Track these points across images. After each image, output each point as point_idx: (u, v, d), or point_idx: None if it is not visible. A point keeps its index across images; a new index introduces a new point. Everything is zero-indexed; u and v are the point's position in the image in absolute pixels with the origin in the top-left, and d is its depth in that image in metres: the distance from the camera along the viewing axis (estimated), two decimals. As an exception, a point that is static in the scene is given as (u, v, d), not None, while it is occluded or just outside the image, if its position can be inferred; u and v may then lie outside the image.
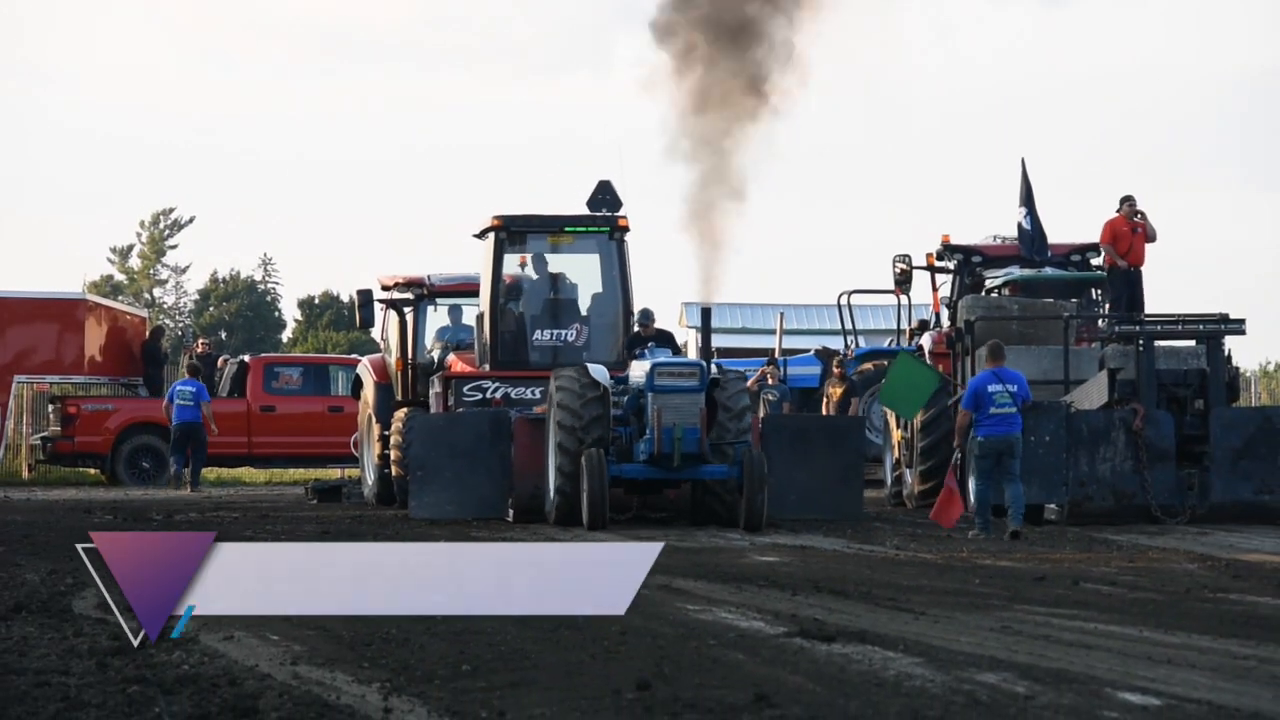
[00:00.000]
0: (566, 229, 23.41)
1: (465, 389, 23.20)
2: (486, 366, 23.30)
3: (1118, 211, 24.34)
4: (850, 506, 21.12)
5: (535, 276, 23.61)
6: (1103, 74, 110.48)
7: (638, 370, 20.33)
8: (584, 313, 23.61)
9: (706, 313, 21.31)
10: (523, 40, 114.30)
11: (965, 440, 19.60)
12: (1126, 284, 24.17)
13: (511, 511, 21.05)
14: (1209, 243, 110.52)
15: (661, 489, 20.67)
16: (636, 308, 22.39)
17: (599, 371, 20.37)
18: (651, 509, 21.08)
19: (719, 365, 21.42)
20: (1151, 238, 24.44)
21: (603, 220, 23.26)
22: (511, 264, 23.66)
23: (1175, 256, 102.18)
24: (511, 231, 23.32)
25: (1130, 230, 24.19)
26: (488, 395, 23.12)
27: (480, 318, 23.51)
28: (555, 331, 23.34)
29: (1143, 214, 24.32)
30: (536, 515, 20.74)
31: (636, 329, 21.75)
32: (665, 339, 21.50)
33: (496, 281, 23.27)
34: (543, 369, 22.13)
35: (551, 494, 20.28)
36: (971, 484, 20.00)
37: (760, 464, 19.57)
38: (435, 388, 23.92)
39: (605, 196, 23.30)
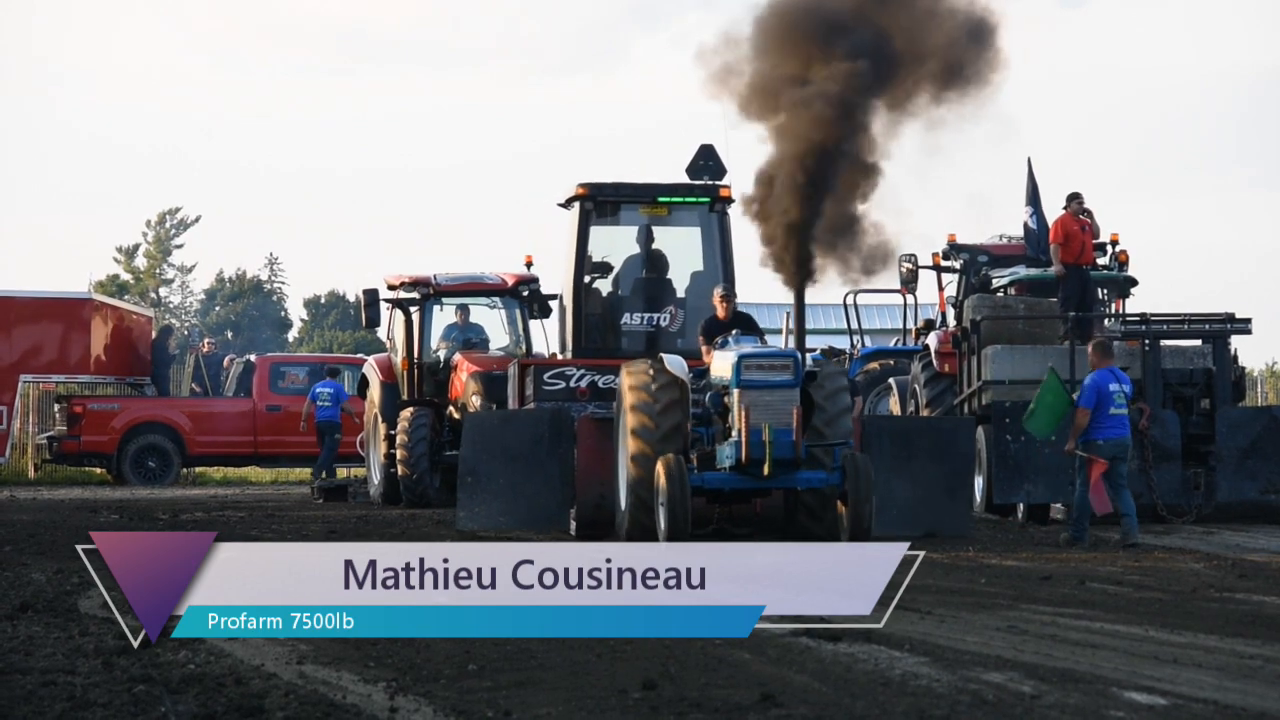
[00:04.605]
0: (661, 199, 20.87)
1: (546, 376, 20.28)
2: (569, 353, 20.92)
3: (1064, 209, 23.71)
4: (958, 523, 18.38)
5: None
6: (1108, 73, 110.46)
7: (720, 363, 17.26)
8: (681, 294, 21.10)
9: (800, 297, 18.16)
10: (533, 41, 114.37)
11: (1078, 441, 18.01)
12: (1079, 282, 23.55)
13: (574, 524, 18.37)
14: (1215, 242, 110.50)
15: (749, 499, 17.64)
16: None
17: (676, 364, 17.32)
18: (735, 522, 17.90)
19: (814, 358, 18.95)
20: (1095, 235, 24.15)
21: (703, 190, 20.79)
22: (598, 237, 21.02)
23: (1181, 256, 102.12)
24: (599, 201, 20.77)
25: (1079, 229, 23.56)
26: (571, 384, 20.24)
27: (562, 298, 21.18)
28: (647, 315, 20.97)
29: (1089, 211, 23.93)
30: (603, 528, 18.06)
31: (717, 309, 18.34)
32: (747, 324, 18.13)
33: (581, 258, 20.76)
34: (634, 356, 19.12)
35: (622, 505, 17.51)
36: (1078, 487, 18.24)
37: (866, 470, 16.54)
38: (512, 374, 21.08)
39: (708, 163, 20.76)
